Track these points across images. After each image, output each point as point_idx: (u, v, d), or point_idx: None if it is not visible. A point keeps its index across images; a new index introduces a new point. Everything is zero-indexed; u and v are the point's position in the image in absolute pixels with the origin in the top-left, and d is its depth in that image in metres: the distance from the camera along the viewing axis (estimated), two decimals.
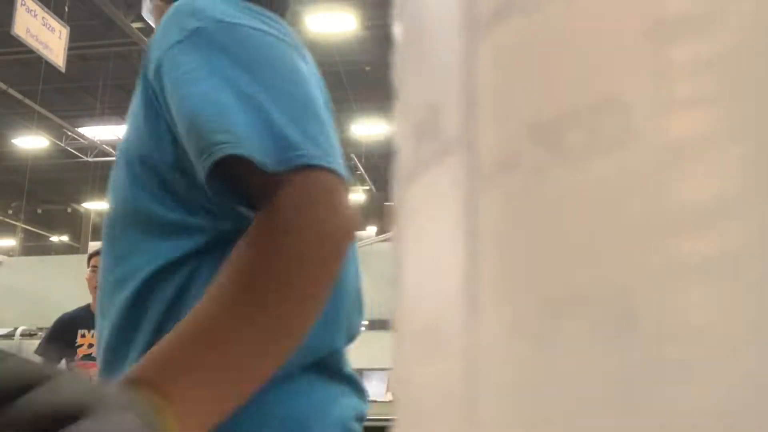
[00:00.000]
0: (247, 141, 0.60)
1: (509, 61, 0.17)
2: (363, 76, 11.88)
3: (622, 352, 0.14)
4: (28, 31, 7.48)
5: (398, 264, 0.21)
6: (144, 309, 0.69)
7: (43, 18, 7.73)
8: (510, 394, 0.16)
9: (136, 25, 10.78)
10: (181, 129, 0.65)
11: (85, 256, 3.41)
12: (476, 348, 0.16)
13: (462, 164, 0.17)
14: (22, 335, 6.48)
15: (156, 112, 0.71)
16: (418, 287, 0.20)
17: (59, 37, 8.00)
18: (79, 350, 3.07)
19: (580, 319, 0.14)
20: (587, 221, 0.15)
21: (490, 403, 0.16)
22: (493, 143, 0.17)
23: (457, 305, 0.17)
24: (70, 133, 13.10)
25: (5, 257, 9.70)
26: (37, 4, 7.63)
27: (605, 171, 0.15)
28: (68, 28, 8.14)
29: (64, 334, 3.09)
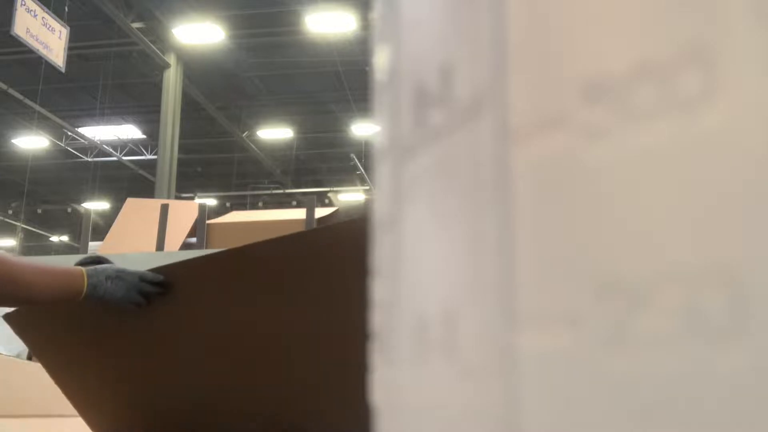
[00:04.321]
0: None
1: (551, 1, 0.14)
2: (363, 76, 11.87)
3: (721, 352, 0.12)
4: (28, 31, 7.47)
5: (389, 252, 0.19)
6: None
7: (43, 18, 7.72)
8: (559, 402, 0.13)
9: (136, 25, 10.77)
10: None
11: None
12: (512, 347, 0.14)
13: (486, 129, 0.15)
14: None
15: None
16: (423, 277, 0.18)
17: (59, 37, 7.99)
18: None
19: (652, 313, 0.12)
20: (659, 192, 0.12)
21: (534, 413, 0.14)
22: (529, 102, 0.15)
23: (484, 295, 0.15)
24: (70, 133, 13.10)
25: None
26: (37, 4, 7.63)
27: (682, 133, 0.12)
28: (68, 28, 8.13)
29: None
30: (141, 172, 14.70)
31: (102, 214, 15.55)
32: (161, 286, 1.14)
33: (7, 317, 1.27)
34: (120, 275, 1.17)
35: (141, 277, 1.15)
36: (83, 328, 1.24)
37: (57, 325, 1.26)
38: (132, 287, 1.14)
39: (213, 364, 1.19)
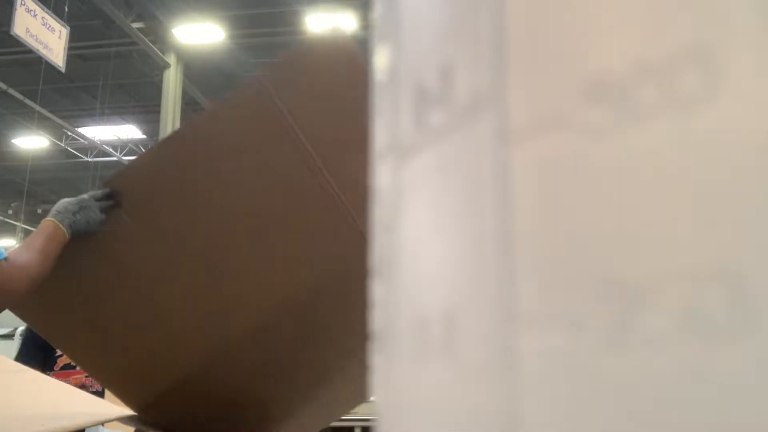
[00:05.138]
0: None
1: (551, 3, 0.15)
2: None
3: (721, 352, 0.12)
4: (27, 31, 7.48)
5: (389, 252, 0.19)
6: None
7: (42, 18, 7.72)
8: (559, 402, 0.13)
9: (136, 25, 10.77)
10: None
11: None
12: (512, 347, 0.14)
13: (486, 129, 0.15)
14: (21, 335, 6.46)
15: None
16: (423, 277, 0.18)
17: (59, 37, 7.99)
18: (59, 360, 3.06)
19: (652, 313, 0.12)
20: (659, 192, 0.12)
21: (534, 413, 0.14)
22: (529, 102, 0.15)
23: (484, 295, 0.15)
24: (70, 133, 13.10)
25: None
26: (37, 4, 7.63)
27: (683, 133, 0.12)
28: (68, 28, 8.13)
29: (45, 343, 3.08)
30: None
31: None
32: (111, 197, 1.23)
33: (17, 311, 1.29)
34: (81, 204, 1.24)
35: (93, 197, 1.24)
36: (71, 288, 1.26)
37: (51, 297, 1.27)
38: (94, 208, 1.23)
39: (191, 264, 1.22)
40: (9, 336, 6.83)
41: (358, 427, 3.19)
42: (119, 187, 1.22)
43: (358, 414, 3.43)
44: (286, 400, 1.43)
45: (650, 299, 0.13)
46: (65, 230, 1.22)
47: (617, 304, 0.13)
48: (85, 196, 1.26)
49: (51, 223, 1.24)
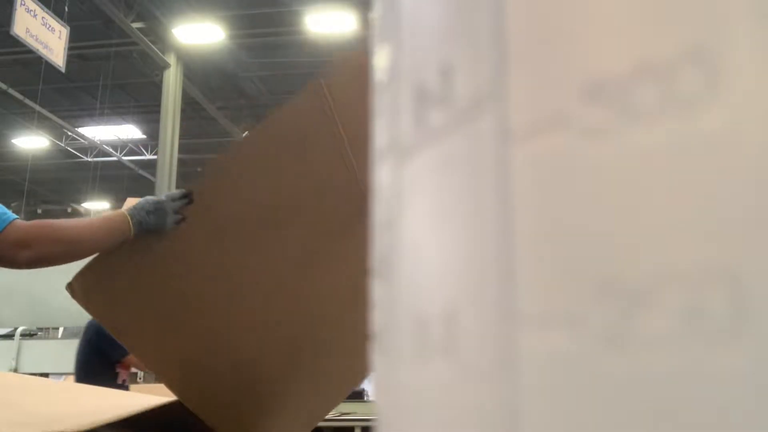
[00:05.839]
0: None
1: (551, 4, 0.15)
2: None
3: (721, 352, 0.12)
4: (27, 31, 7.48)
5: (389, 252, 0.19)
6: None
7: (42, 18, 7.72)
8: (559, 402, 0.13)
9: (136, 25, 10.77)
10: None
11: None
12: (512, 347, 0.14)
13: (486, 129, 0.15)
14: (22, 335, 6.44)
15: None
16: (423, 277, 0.18)
17: (59, 37, 7.99)
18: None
19: (652, 313, 0.12)
20: (659, 192, 0.12)
21: (534, 413, 0.14)
22: (529, 102, 0.15)
23: (485, 296, 0.15)
24: (70, 133, 13.10)
25: None
26: (36, 4, 7.63)
27: (682, 133, 0.12)
28: (68, 28, 8.13)
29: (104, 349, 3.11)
30: (141, 172, 14.70)
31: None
32: (187, 198, 1.29)
33: (71, 287, 1.29)
34: (158, 206, 1.29)
35: (171, 198, 1.30)
36: (143, 277, 1.28)
37: (118, 285, 1.29)
38: (170, 210, 1.28)
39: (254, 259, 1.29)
40: (9, 336, 6.83)
41: (358, 427, 3.19)
42: (194, 188, 1.30)
43: (358, 414, 3.43)
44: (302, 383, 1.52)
45: (650, 299, 0.13)
46: (132, 226, 1.26)
47: (617, 304, 0.13)
48: (163, 197, 1.31)
49: (121, 214, 1.29)
